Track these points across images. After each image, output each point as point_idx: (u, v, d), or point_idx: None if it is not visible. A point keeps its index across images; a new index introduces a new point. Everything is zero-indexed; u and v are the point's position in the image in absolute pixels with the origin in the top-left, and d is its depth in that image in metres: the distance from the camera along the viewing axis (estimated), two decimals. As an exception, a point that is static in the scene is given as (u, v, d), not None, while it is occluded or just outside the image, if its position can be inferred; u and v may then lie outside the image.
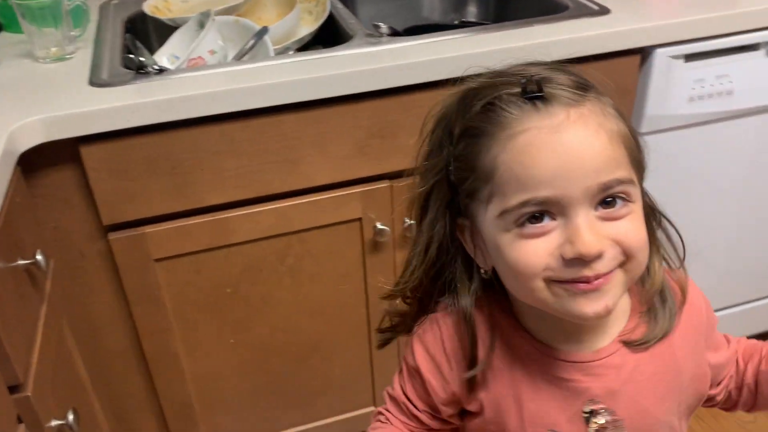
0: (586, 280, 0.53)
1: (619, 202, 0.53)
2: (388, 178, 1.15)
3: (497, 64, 0.60)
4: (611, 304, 0.54)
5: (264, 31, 1.15)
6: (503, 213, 0.54)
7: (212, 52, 1.07)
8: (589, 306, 0.54)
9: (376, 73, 1.03)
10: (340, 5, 1.31)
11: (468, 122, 0.56)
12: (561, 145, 0.51)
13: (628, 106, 1.20)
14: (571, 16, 1.16)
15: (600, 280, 0.53)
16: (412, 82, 1.05)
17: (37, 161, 0.96)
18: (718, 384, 0.70)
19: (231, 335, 1.21)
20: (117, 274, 1.07)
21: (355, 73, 1.02)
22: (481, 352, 0.63)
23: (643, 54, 1.16)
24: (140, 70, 1.02)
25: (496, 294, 0.63)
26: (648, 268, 0.60)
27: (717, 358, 0.68)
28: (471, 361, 0.63)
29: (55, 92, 0.99)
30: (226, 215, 1.08)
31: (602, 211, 0.53)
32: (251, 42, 1.16)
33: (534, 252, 0.53)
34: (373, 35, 1.13)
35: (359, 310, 1.27)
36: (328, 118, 1.05)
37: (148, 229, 1.05)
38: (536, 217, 0.53)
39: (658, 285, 0.61)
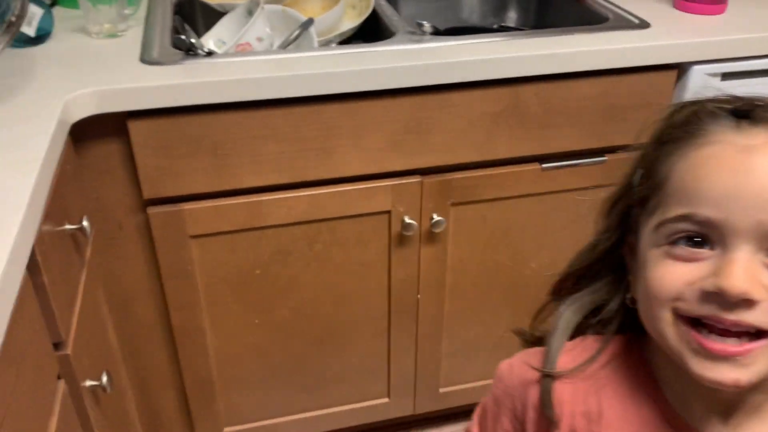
0: (719, 323, 0.45)
1: None
2: (419, 173, 1.18)
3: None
4: (746, 379, 0.45)
5: (309, 22, 1.18)
6: (660, 225, 0.48)
7: (260, 39, 1.11)
8: (713, 372, 0.45)
9: (417, 69, 1.06)
10: (384, 2, 1.33)
11: (665, 127, 0.52)
12: (745, 165, 0.45)
13: (661, 119, 1.21)
14: (611, 28, 1.18)
15: (737, 348, 0.44)
16: (451, 81, 1.07)
17: (86, 132, 1.00)
18: None
19: (256, 315, 1.25)
20: (153, 247, 1.11)
21: (396, 68, 1.05)
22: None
23: (680, 69, 1.18)
24: (189, 52, 1.06)
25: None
26: None
27: None
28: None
29: (108, 67, 1.03)
30: (261, 198, 1.11)
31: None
32: (296, 32, 1.20)
33: (674, 275, 0.47)
34: (416, 33, 1.16)
35: (381, 301, 1.29)
36: (366, 111, 1.08)
37: (187, 206, 1.08)
38: (695, 241, 0.46)
39: None
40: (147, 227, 1.10)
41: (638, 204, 0.52)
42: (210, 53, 1.04)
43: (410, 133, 1.12)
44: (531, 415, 0.59)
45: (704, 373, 0.46)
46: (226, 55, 1.06)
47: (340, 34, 1.28)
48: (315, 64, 1.04)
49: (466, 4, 1.54)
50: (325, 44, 1.25)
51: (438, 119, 1.12)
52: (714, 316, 0.45)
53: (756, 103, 0.48)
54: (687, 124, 0.49)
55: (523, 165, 1.22)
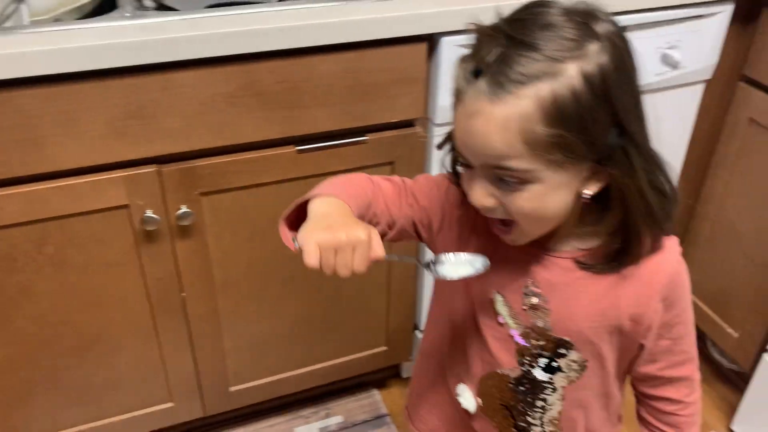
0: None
1: (511, 180, 0.64)
2: (156, 162, 1.07)
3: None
4: (512, 239, 0.71)
5: (19, -3, 1.05)
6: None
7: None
8: (501, 237, 0.71)
9: (129, 46, 0.95)
10: (128, -25, 1.21)
11: (460, 65, 0.64)
12: (468, 128, 0.63)
13: (417, 95, 1.16)
14: (354, -2, 1.11)
15: (499, 226, 0.70)
16: (165, 59, 0.97)
17: None
18: (653, 362, 0.79)
19: (-9, 329, 1.12)
20: None
21: (99, 46, 0.94)
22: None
23: (431, 41, 1.13)
24: None
25: None
26: (630, 228, 0.69)
27: (661, 345, 0.77)
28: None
29: None
30: (-40, 199, 0.98)
31: (499, 181, 0.65)
32: (10, 9, 1.06)
33: (467, 187, 0.69)
34: (138, 8, 1.05)
35: (140, 301, 1.19)
36: (70, 96, 0.96)
37: None
38: (464, 165, 0.68)
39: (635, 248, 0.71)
40: None
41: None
42: None
43: (133, 118, 1.02)
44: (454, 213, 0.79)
45: (500, 236, 0.72)
46: None
47: (77, 9, 1.15)
48: (7, 45, 0.91)
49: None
50: (53, 21, 1.12)
51: (163, 102, 1.02)
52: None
53: (487, 60, 0.60)
54: (466, 68, 0.63)
55: (276, 149, 1.14)
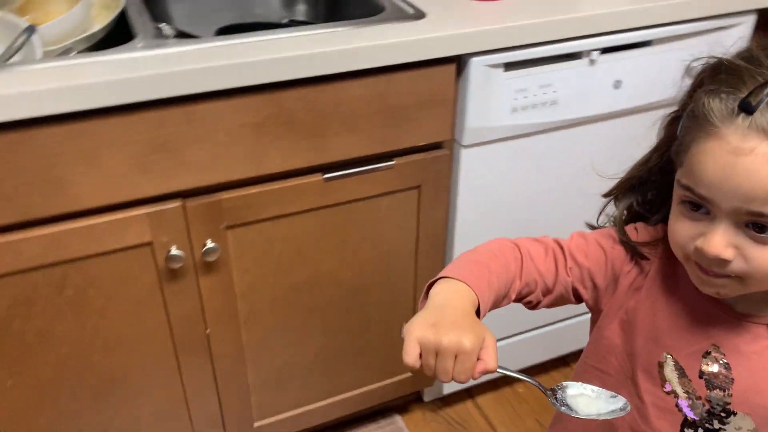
0: (705, 269, 0.62)
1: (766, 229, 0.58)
2: (180, 196, 1.03)
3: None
4: (723, 294, 0.64)
5: (31, 29, 1.00)
6: (677, 181, 0.63)
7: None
8: (705, 288, 0.64)
9: (152, 80, 0.90)
10: (138, 1, 1.16)
11: (702, 95, 0.60)
12: (731, 165, 0.57)
13: (445, 117, 1.13)
14: (381, 21, 1.07)
15: (714, 277, 0.62)
16: (191, 91, 0.93)
17: None
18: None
19: (8, 377, 1.06)
20: None
21: (123, 80, 0.89)
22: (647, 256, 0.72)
23: (459, 62, 1.09)
24: None
25: None
26: None
27: None
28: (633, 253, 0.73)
29: None
30: (-23, 245, 0.93)
31: (748, 230, 0.59)
32: (20, 41, 1.01)
33: (682, 230, 0.63)
34: (158, 37, 1.00)
35: (163, 341, 1.14)
36: (94, 132, 0.92)
37: None
38: (694, 206, 0.61)
39: None
40: None
41: (677, 146, 0.64)
42: None
43: (157, 153, 0.97)
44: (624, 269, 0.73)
45: (702, 287, 0.65)
46: None
47: (87, 38, 1.10)
48: (24, 81, 0.86)
49: (252, -2, 1.40)
50: (64, 51, 1.07)
51: (188, 135, 0.97)
52: (702, 265, 0.62)
53: (762, 97, 0.56)
54: (714, 100, 0.58)
55: (303, 177, 1.09)
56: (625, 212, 0.75)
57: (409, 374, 1.45)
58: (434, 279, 0.65)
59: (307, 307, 1.24)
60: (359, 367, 1.38)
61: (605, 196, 0.75)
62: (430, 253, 1.28)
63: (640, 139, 0.74)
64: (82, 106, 0.89)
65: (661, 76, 1.25)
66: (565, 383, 0.64)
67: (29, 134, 0.89)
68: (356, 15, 1.20)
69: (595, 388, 0.64)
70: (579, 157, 1.29)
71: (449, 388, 1.53)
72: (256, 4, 1.41)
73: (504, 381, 1.63)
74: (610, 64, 1.20)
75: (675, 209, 0.64)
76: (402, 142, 1.12)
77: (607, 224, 0.77)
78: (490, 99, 1.13)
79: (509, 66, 1.12)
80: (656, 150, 0.71)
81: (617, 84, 1.23)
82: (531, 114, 1.18)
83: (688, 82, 0.66)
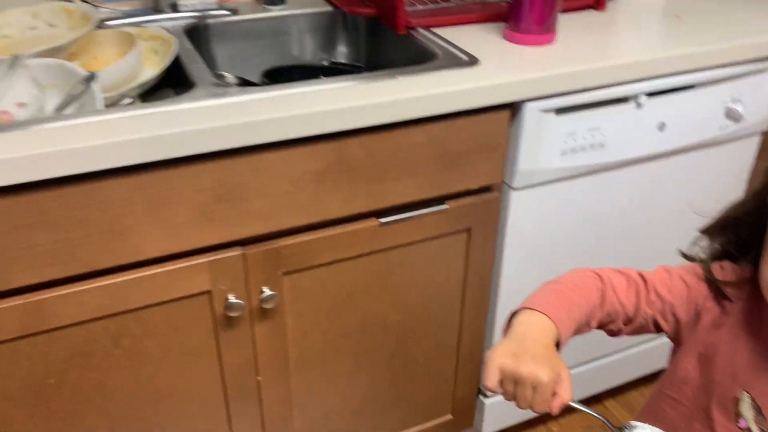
0: None
1: None
2: (240, 244, 1.02)
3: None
4: None
5: (91, 77, 0.99)
6: None
7: (22, 105, 0.91)
8: None
9: (216, 132, 0.90)
10: (189, 45, 1.17)
11: None
12: None
13: (497, 160, 1.14)
14: (439, 67, 1.08)
15: None
16: (259, 141, 0.93)
17: None
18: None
19: (63, 427, 1.03)
20: None
21: (192, 132, 0.89)
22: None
23: (513, 107, 1.10)
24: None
25: None
26: None
27: None
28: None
29: None
30: (41, 297, 0.91)
31: None
32: (80, 89, 1.00)
33: None
34: (220, 85, 1.00)
35: (214, 389, 1.12)
36: (160, 183, 0.91)
37: (-63, 319, 0.87)
38: None
39: None
40: None
41: None
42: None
43: (222, 202, 0.96)
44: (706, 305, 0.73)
45: None
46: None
47: (140, 86, 1.10)
48: (87, 134, 0.86)
49: (294, 41, 1.40)
50: (119, 99, 1.06)
51: (252, 184, 0.97)
52: None
53: None
54: None
55: (358, 222, 1.09)
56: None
57: (450, 416, 1.43)
58: (516, 309, 0.68)
59: (355, 351, 1.23)
60: (403, 409, 1.36)
61: (702, 232, 0.76)
62: (476, 296, 1.28)
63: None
64: (151, 157, 0.88)
65: (703, 118, 1.27)
66: (633, 423, 0.65)
67: (98, 185, 0.88)
68: (402, 60, 1.21)
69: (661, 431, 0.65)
70: (622, 199, 1.30)
71: (488, 429, 1.51)
72: (294, 47, 1.41)
73: (539, 420, 1.62)
74: (656, 107, 1.21)
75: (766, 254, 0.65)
76: (455, 185, 1.13)
77: (698, 256, 0.77)
78: (542, 143, 1.14)
79: (560, 111, 1.13)
80: (755, 194, 0.72)
81: (661, 126, 1.24)
82: (579, 156, 1.19)
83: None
